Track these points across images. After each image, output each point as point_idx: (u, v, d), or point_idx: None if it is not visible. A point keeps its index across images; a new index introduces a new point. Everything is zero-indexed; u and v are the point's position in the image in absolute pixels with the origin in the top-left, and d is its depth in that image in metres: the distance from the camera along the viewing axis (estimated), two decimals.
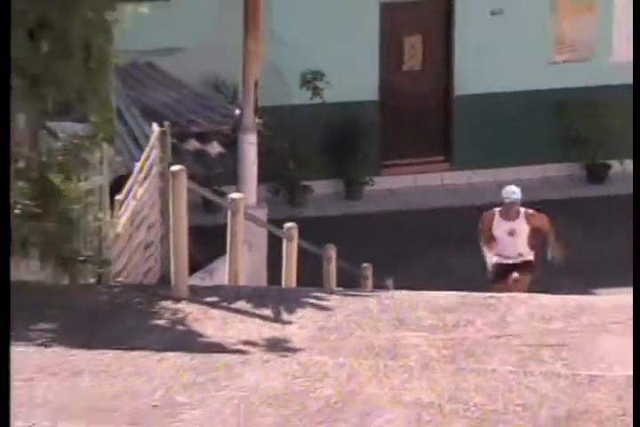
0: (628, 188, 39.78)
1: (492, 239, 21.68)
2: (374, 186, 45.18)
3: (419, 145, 43.78)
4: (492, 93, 42.70)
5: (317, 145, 45.13)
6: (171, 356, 17.51)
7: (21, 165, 26.20)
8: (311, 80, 46.47)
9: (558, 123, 43.83)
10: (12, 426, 13.06)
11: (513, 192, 21.30)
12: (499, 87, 42.70)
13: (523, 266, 21.87)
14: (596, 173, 47.53)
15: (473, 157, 40.45)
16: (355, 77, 46.83)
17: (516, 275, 22.90)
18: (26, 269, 25.75)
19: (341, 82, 46.51)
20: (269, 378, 15.74)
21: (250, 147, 38.59)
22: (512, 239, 21.39)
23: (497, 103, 42.47)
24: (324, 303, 24.71)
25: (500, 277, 22.14)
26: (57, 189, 26.37)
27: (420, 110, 45.25)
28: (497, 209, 21.42)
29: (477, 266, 29.05)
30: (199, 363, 16.92)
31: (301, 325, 23.26)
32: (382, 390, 14.50)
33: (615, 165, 48.59)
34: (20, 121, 26.54)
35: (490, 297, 24.37)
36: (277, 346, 21.91)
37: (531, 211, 21.53)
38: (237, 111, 40.25)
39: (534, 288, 23.60)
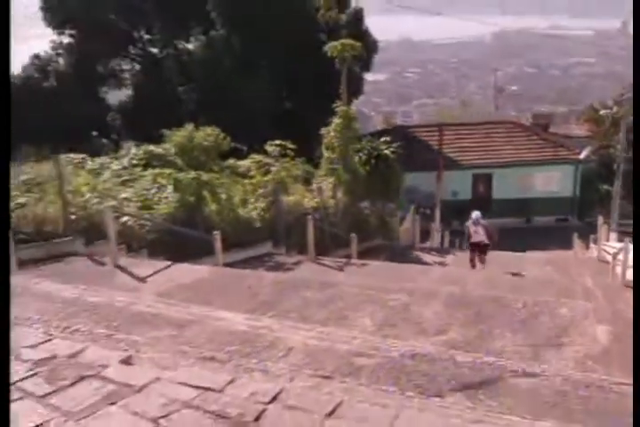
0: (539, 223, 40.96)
1: (469, 233, 20.43)
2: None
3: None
4: (506, 198, 39.39)
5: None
6: (412, 265, 19.37)
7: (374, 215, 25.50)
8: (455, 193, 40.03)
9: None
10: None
11: (477, 214, 20.03)
12: (506, 195, 38.71)
13: (482, 247, 20.49)
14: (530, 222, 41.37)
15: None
16: (466, 193, 40.77)
17: (480, 254, 20.93)
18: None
19: (465, 192, 40.74)
20: (439, 273, 18.01)
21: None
22: (477, 234, 20.13)
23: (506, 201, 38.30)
24: (456, 253, 24.46)
25: (472, 249, 20.95)
26: (387, 221, 25.63)
27: (484, 203, 38.96)
28: (471, 221, 20.02)
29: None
30: (421, 268, 19.04)
31: (450, 258, 22.96)
32: (471, 275, 16.81)
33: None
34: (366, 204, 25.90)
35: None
36: (442, 264, 21.97)
37: (485, 222, 20.30)
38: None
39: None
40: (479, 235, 20.15)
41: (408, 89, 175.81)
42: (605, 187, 42.50)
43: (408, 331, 8.54)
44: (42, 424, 3.46)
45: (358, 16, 47.49)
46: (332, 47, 26.40)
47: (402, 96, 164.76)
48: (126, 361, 4.24)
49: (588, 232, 28.29)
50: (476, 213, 20.19)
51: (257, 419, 3.38)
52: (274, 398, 3.58)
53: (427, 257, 23.99)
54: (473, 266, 20.70)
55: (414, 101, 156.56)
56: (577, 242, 29.19)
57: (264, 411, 3.43)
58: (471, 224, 20.22)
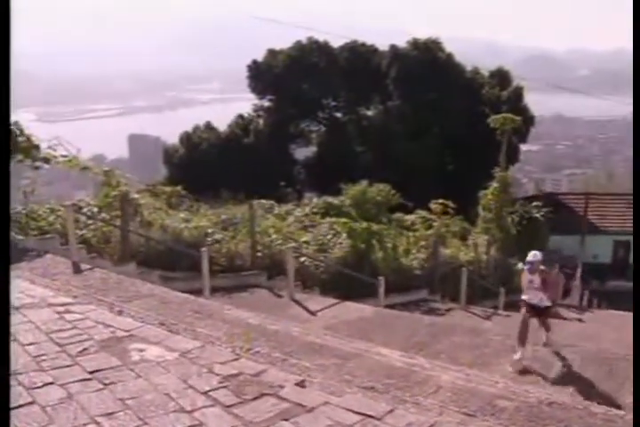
0: None
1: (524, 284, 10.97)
2: None
3: None
4: None
5: None
6: (552, 320, 18.22)
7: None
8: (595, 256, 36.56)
9: None
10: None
11: (535, 255, 10.67)
12: None
13: (541, 309, 10.82)
14: None
15: None
16: (606, 257, 37.73)
17: (541, 318, 10.94)
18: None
19: (605, 256, 38.18)
20: (576, 329, 16.59)
21: None
22: (531, 286, 10.55)
23: None
24: (593, 311, 22.63)
25: (527, 310, 10.66)
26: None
27: (622, 267, 36.54)
28: (527, 266, 10.80)
29: None
30: (560, 323, 17.40)
31: (587, 315, 21.31)
32: (605, 333, 15.43)
33: None
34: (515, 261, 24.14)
35: None
36: (580, 320, 20.22)
37: (546, 269, 10.81)
38: None
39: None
40: (534, 287, 10.75)
41: (558, 159, 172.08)
42: None
43: (545, 379, 8.34)
44: None
45: (518, 93, 47.13)
46: (494, 120, 26.33)
47: (552, 166, 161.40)
48: (300, 384, 4.35)
49: None
50: (533, 254, 10.85)
51: None
52: None
53: (566, 313, 22.98)
54: (521, 341, 10.05)
55: (564, 171, 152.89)
56: None
57: None
58: (527, 271, 10.95)
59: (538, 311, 10.89)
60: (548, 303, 10.81)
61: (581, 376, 8.51)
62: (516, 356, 9.62)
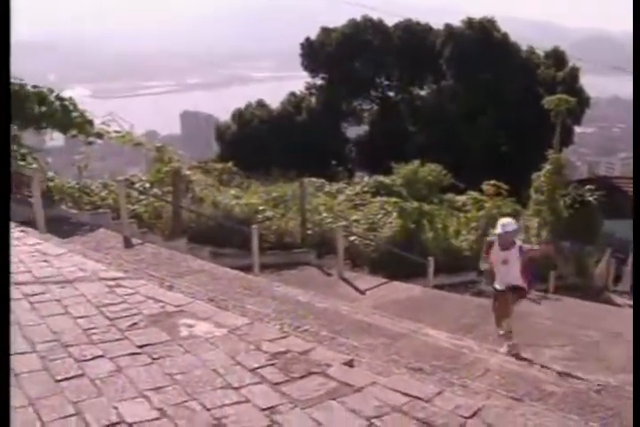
0: None
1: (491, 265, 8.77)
2: None
3: None
4: None
5: None
6: (603, 305, 17.66)
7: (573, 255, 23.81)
8: None
9: None
10: None
11: (505, 225, 8.37)
12: None
13: (512, 289, 8.36)
14: None
15: None
16: None
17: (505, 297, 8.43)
18: None
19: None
20: (628, 315, 15.75)
21: None
22: (505, 268, 8.42)
23: None
24: None
25: (496, 296, 8.71)
26: (584, 262, 24.03)
27: None
28: (497, 236, 8.46)
29: None
30: (612, 309, 17.13)
31: None
32: None
33: None
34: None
35: None
36: (631, 306, 19.80)
37: (527, 246, 8.94)
38: None
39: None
40: (510, 270, 8.57)
41: (613, 142, 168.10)
42: None
43: (595, 365, 8.18)
44: (273, 407, 3.57)
45: (574, 74, 46.17)
46: (549, 101, 25.94)
47: (607, 148, 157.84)
48: (348, 364, 4.30)
49: None
50: (506, 222, 8.62)
51: None
52: (474, 414, 3.48)
53: (617, 299, 22.59)
54: (499, 322, 8.77)
55: (619, 154, 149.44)
56: None
57: (464, 425, 3.35)
58: (497, 244, 8.67)
59: (509, 291, 8.66)
60: (522, 284, 8.68)
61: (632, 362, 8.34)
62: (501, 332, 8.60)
